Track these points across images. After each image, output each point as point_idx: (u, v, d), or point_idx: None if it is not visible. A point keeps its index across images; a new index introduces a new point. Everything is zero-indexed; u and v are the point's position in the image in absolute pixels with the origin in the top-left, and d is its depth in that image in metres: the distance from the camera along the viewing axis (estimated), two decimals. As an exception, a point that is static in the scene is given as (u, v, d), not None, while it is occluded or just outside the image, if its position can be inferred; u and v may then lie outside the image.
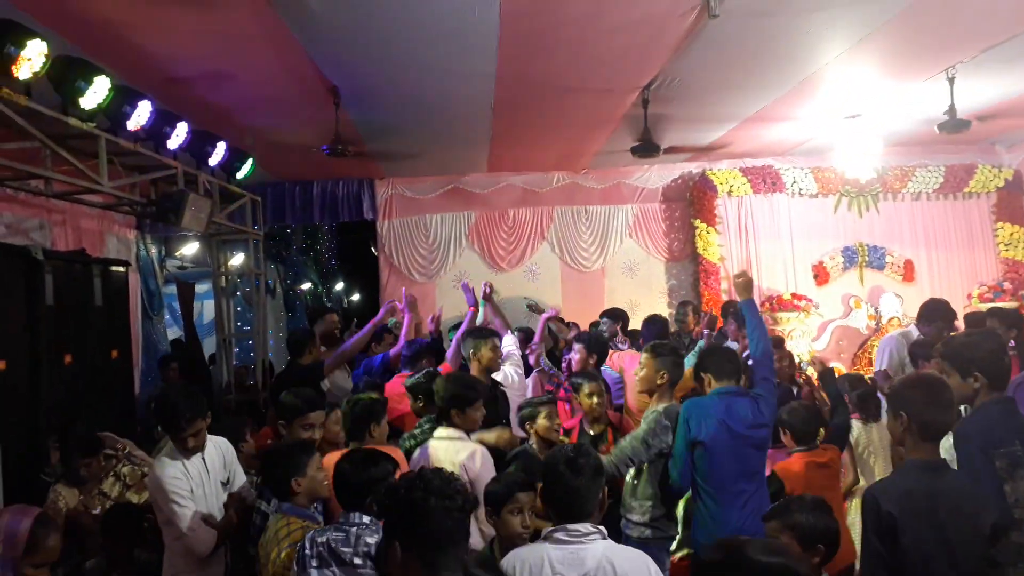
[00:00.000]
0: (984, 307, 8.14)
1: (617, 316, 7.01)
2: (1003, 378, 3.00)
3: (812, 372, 5.84)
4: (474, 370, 4.76)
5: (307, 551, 2.67)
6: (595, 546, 2.39)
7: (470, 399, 3.76)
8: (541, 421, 4.13)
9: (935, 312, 5.48)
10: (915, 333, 5.67)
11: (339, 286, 16.46)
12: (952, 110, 6.34)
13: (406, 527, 1.89)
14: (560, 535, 2.41)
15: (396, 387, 4.89)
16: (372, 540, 2.62)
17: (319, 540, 2.68)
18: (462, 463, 3.53)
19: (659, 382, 3.92)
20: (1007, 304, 8.64)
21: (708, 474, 3.63)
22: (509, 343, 5.38)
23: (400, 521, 1.91)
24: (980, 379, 2.94)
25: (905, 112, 7.16)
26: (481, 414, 3.84)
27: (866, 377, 6.06)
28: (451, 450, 3.64)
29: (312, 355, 5.61)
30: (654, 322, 6.56)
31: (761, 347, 3.92)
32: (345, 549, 2.62)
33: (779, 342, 6.26)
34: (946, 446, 4.23)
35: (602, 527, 2.46)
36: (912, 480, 2.63)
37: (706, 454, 3.62)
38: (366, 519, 2.71)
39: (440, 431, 3.76)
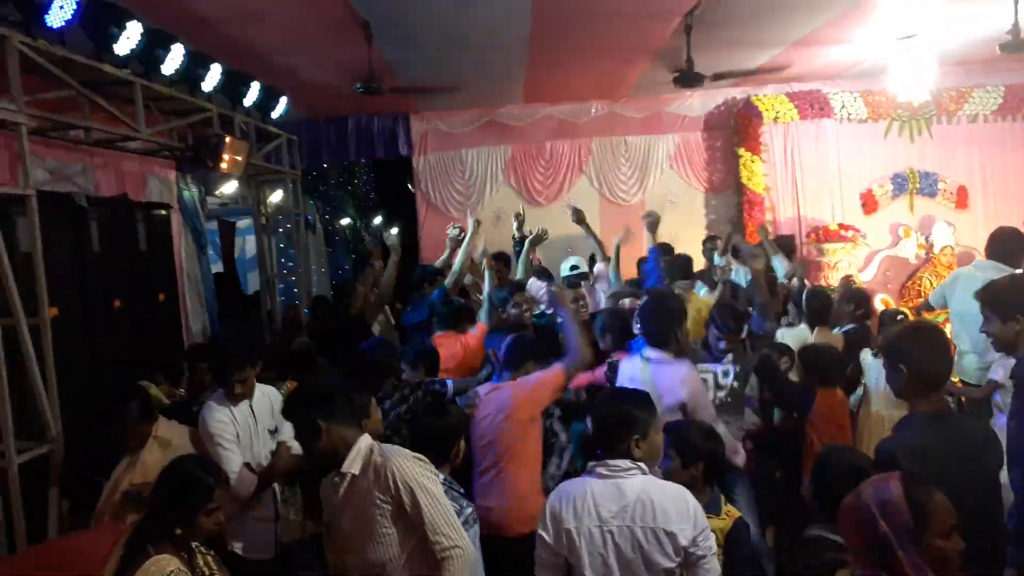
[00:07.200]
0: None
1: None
2: None
3: None
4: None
5: None
6: (634, 480, 2.49)
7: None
8: None
9: (1016, 244, 4.88)
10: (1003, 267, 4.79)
11: (377, 220, 16.43)
12: (1016, 28, 5.93)
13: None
14: (601, 470, 2.53)
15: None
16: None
17: None
18: None
19: None
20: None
21: None
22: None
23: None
24: (1022, 321, 2.82)
25: (964, 31, 6.75)
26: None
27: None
28: None
29: (359, 302, 5.79)
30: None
31: None
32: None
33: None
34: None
35: (642, 463, 2.53)
36: (929, 436, 2.53)
37: None
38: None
39: None
